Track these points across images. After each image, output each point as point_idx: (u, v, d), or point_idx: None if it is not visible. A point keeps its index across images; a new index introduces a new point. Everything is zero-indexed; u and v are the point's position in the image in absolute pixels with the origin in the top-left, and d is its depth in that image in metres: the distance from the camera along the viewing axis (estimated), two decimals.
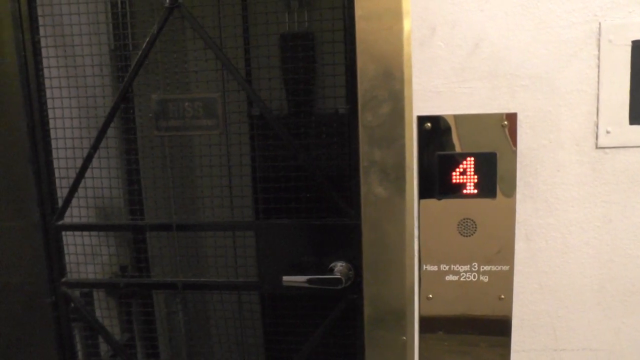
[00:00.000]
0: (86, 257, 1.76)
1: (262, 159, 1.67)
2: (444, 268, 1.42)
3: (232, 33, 1.63)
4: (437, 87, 1.35)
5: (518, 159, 1.35)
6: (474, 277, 1.42)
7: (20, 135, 1.65)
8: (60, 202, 1.71)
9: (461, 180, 1.37)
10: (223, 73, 1.60)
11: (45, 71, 1.64)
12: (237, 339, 1.90)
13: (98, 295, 1.87)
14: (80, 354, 1.86)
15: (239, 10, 1.65)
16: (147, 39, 1.56)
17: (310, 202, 1.59)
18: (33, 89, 1.63)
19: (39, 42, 1.62)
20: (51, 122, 1.67)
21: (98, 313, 1.85)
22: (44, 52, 1.63)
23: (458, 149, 1.36)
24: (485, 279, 1.41)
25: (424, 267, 1.43)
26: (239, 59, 1.63)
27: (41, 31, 1.62)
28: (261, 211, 1.66)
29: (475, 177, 1.36)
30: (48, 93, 1.66)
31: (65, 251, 1.75)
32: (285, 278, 1.56)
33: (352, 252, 1.52)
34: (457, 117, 1.35)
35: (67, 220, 1.71)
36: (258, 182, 1.68)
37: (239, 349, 1.93)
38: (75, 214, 1.72)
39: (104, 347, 1.89)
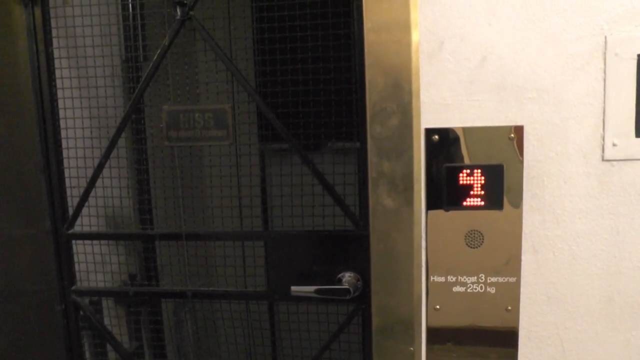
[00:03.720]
0: (96, 265, 1.77)
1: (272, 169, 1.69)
2: (451, 279, 1.43)
3: (243, 45, 1.65)
4: (445, 99, 1.36)
5: (525, 171, 1.36)
6: (481, 288, 1.42)
7: (33, 145, 1.67)
8: (71, 211, 1.73)
9: (468, 192, 1.38)
10: (233, 84, 1.62)
11: (58, 82, 1.67)
12: (245, 348, 1.91)
13: (107, 304, 1.88)
14: None
15: (249, 23, 1.67)
16: (159, 51, 1.59)
17: (320, 212, 1.61)
18: (46, 99, 1.65)
19: (52, 53, 1.65)
20: (63, 132, 1.69)
21: (107, 321, 1.87)
22: (57, 63, 1.66)
23: (465, 161, 1.37)
24: (492, 290, 1.42)
25: (432, 278, 1.44)
26: (249, 70, 1.65)
27: (54, 42, 1.65)
28: (272, 220, 1.67)
29: (483, 189, 1.37)
30: (60, 103, 1.68)
31: (76, 259, 1.77)
32: (293, 288, 1.57)
33: (361, 263, 1.53)
34: (465, 130, 1.36)
35: (77, 229, 1.73)
36: (266, 192, 1.69)
37: (247, 359, 1.94)
38: (85, 222, 1.74)
39: (112, 355, 1.91)
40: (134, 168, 1.84)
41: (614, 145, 1.33)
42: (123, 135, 1.68)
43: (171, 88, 1.72)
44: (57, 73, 1.67)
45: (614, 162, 1.34)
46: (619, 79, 1.31)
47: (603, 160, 1.34)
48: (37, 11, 1.61)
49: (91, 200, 1.72)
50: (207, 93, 1.68)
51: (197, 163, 1.83)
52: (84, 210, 1.73)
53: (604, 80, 1.32)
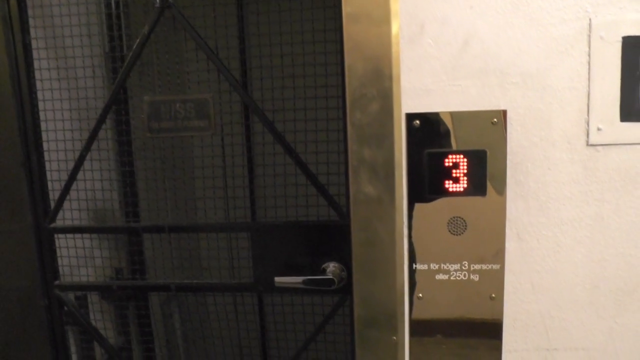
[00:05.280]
0: (79, 260, 1.75)
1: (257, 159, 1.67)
2: (434, 267, 1.41)
3: (224, 33, 1.63)
4: (426, 85, 1.34)
5: (509, 157, 1.34)
6: (465, 276, 1.40)
7: (12, 138, 1.65)
8: (53, 205, 1.71)
9: (451, 178, 1.35)
10: (218, 74, 1.60)
11: (37, 73, 1.64)
12: (231, 341, 1.89)
13: (92, 299, 1.86)
14: (75, 357, 1.85)
15: (232, 10, 1.65)
16: (138, 40, 1.56)
17: (304, 201, 1.59)
18: (24, 91, 1.63)
19: (29, 43, 1.62)
20: (43, 124, 1.67)
21: (94, 316, 1.85)
22: (35, 53, 1.63)
23: (448, 147, 1.35)
24: (475, 277, 1.40)
25: (414, 266, 1.42)
26: (231, 59, 1.63)
27: (32, 32, 1.62)
28: (256, 212, 1.66)
29: (465, 175, 1.35)
30: (40, 95, 1.66)
31: (59, 254, 1.74)
32: (277, 279, 1.55)
33: (345, 253, 1.51)
34: (446, 115, 1.34)
35: (59, 222, 1.71)
36: (254, 182, 1.68)
37: (233, 352, 1.93)
38: (68, 216, 1.71)
39: (99, 351, 1.89)
40: (117, 160, 1.82)
41: (599, 130, 1.31)
42: (106, 127, 1.66)
43: (155, 78, 1.71)
44: (36, 64, 1.64)
45: (599, 147, 1.32)
46: (604, 63, 1.29)
47: (588, 145, 1.32)
48: None
49: (73, 194, 1.70)
50: (190, 83, 1.67)
51: (180, 154, 1.81)
52: (68, 204, 1.71)
53: (589, 64, 1.30)
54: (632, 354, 1.41)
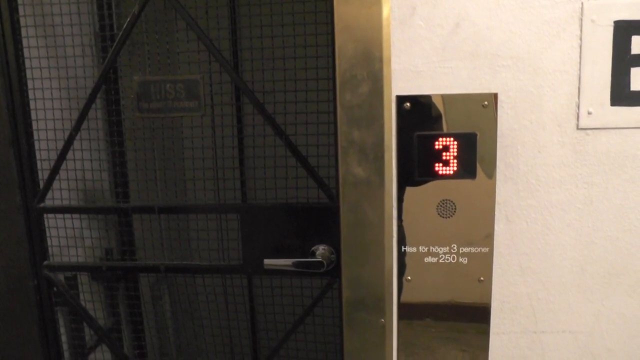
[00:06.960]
0: (68, 240, 1.75)
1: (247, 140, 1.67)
2: (423, 250, 1.41)
3: (215, 13, 1.62)
4: (417, 67, 1.33)
5: (499, 140, 1.34)
6: (453, 258, 1.41)
7: (1, 117, 1.63)
8: (42, 185, 1.70)
9: (441, 161, 1.35)
10: (209, 55, 1.59)
11: (26, 51, 1.62)
12: (220, 322, 1.89)
13: (81, 279, 1.86)
14: (64, 337, 1.85)
15: None
16: (128, 19, 1.55)
17: (294, 183, 1.59)
18: (12, 69, 1.61)
19: (18, 21, 1.60)
20: (32, 103, 1.65)
21: (83, 297, 1.84)
22: (23, 32, 1.61)
23: (438, 129, 1.35)
24: (464, 260, 1.40)
25: (403, 248, 1.42)
26: (221, 40, 1.61)
27: (20, 10, 1.60)
28: (246, 193, 1.66)
29: (455, 157, 1.34)
30: (29, 74, 1.64)
31: (48, 234, 1.74)
32: (266, 261, 1.55)
33: (334, 235, 1.51)
34: (437, 97, 1.34)
35: (48, 202, 1.70)
36: (243, 164, 1.67)
37: (222, 333, 1.93)
38: (57, 196, 1.71)
39: (89, 332, 1.89)
40: (107, 140, 1.81)
41: (589, 113, 1.31)
42: (96, 106, 1.65)
43: (145, 58, 1.69)
44: (25, 42, 1.62)
45: (589, 131, 1.32)
46: (595, 46, 1.29)
47: (578, 129, 1.32)
48: None
49: (63, 174, 1.69)
50: (181, 63, 1.66)
51: (170, 134, 1.80)
52: (57, 184, 1.70)
53: (580, 47, 1.30)
54: (619, 337, 1.42)
